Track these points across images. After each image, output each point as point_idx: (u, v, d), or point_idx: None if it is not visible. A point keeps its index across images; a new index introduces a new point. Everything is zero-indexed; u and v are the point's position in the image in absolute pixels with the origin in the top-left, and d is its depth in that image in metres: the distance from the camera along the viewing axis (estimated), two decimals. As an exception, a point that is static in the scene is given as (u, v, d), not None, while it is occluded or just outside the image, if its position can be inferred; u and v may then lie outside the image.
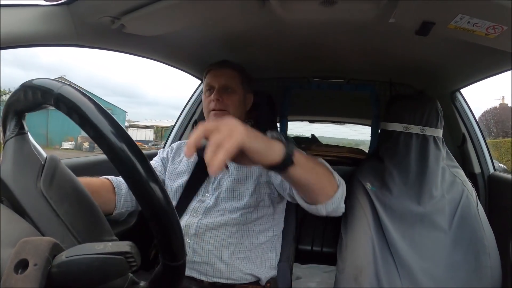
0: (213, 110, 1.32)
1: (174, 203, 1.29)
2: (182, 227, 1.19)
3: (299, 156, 0.80)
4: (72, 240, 0.54)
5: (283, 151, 0.75)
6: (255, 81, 1.51)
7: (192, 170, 1.32)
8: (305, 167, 0.83)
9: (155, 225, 0.52)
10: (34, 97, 0.56)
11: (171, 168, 1.38)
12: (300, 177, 0.83)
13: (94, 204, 0.63)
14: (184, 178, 1.32)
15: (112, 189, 1.20)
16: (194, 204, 1.26)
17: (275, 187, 1.24)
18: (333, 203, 0.93)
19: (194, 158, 1.33)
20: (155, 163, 1.43)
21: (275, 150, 0.74)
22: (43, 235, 0.50)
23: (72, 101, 0.51)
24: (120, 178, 1.25)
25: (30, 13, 0.93)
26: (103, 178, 1.21)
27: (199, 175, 1.30)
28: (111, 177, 1.22)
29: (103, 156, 1.41)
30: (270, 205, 1.28)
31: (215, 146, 0.60)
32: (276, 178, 1.19)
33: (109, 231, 0.62)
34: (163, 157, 1.44)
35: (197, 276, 1.18)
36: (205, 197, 1.26)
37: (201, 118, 2.04)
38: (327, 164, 1.00)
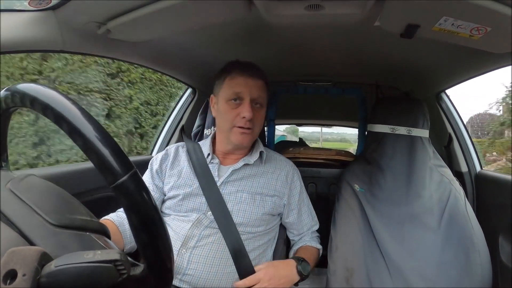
0: (241, 127, 1.22)
1: (176, 213, 1.24)
2: (183, 237, 1.16)
3: (308, 266, 1.24)
4: (42, 223, 0.52)
5: (298, 274, 1.20)
6: None
7: (197, 183, 1.24)
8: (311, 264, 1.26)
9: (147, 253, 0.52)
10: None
11: (172, 179, 1.28)
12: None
13: (63, 190, 0.63)
14: (188, 189, 1.24)
15: (115, 229, 1.14)
16: (197, 216, 1.20)
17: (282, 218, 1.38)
18: None
19: (198, 169, 1.27)
20: (147, 184, 1.27)
21: (293, 278, 1.20)
22: (30, 244, 0.49)
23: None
24: (119, 214, 1.20)
25: (15, 19, 0.91)
26: (102, 220, 1.13)
27: (206, 190, 1.22)
28: (111, 216, 1.17)
29: (80, 167, 1.38)
30: (270, 223, 1.29)
31: None
32: (289, 218, 1.36)
33: (82, 211, 0.60)
34: (156, 170, 1.31)
35: (186, 286, 1.15)
36: (207, 214, 1.20)
37: (188, 124, 2.03)
38: (317, 249, 1.37)
